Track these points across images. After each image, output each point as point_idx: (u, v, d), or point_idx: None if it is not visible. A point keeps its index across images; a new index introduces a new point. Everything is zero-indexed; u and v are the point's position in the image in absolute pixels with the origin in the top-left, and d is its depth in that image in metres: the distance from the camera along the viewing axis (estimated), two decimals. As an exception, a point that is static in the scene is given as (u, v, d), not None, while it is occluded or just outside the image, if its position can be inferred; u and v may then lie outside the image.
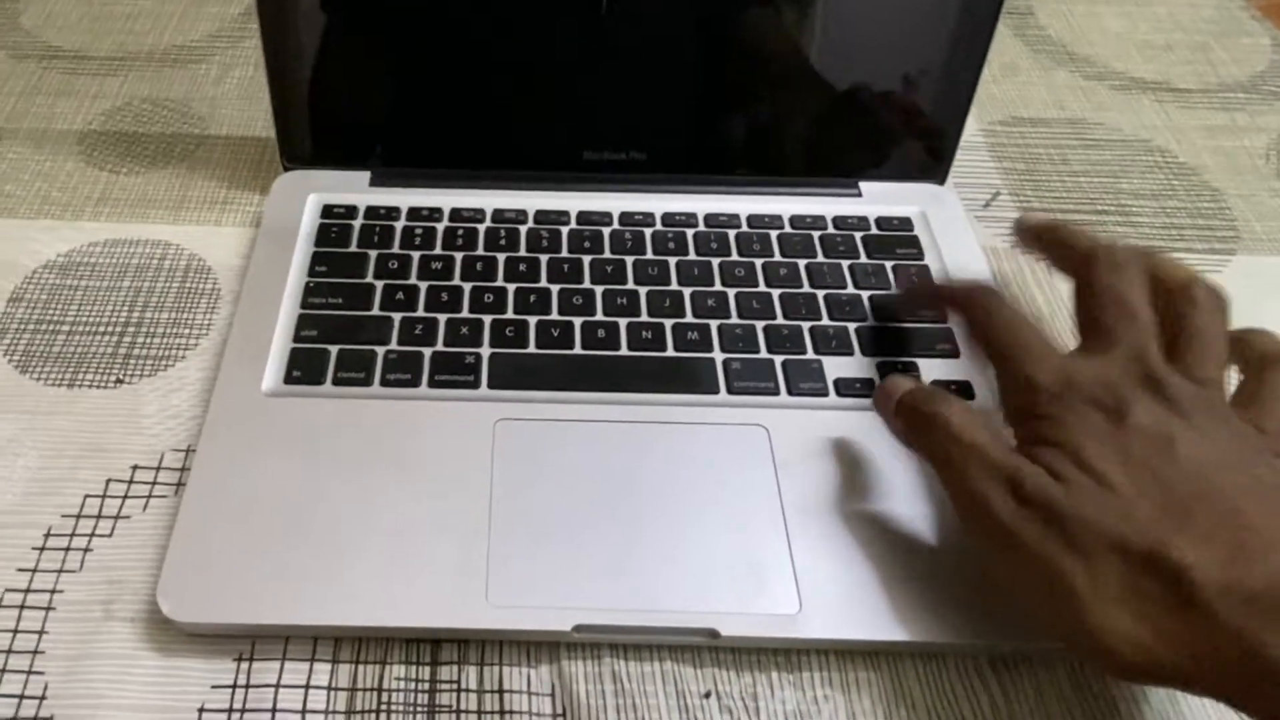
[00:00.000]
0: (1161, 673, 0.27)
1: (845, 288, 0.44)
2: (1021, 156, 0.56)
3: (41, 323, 0.44)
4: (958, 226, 0.47)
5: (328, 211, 0.47)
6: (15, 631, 0.34)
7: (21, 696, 0.32)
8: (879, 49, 0.46)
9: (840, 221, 0.47)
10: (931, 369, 0.41)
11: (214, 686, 0.33)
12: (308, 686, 0.33)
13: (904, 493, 0.37)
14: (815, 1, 0.45)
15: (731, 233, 0.46)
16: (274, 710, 0.32)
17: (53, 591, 0.35)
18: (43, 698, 0.32)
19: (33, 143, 0.53)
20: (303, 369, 0.40)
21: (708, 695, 0.34)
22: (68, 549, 0.36)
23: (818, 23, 0.46)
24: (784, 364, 0.41)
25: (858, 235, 0.46)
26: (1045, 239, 0.38)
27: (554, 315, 0.42)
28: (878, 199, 0.48)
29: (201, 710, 0.32)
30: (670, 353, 0.41)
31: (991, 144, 0.56)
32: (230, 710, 0.32)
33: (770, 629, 0.33)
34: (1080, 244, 0.36)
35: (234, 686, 0.33)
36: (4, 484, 0.38)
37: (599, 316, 0.42)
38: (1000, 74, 0.61)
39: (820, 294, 0.44)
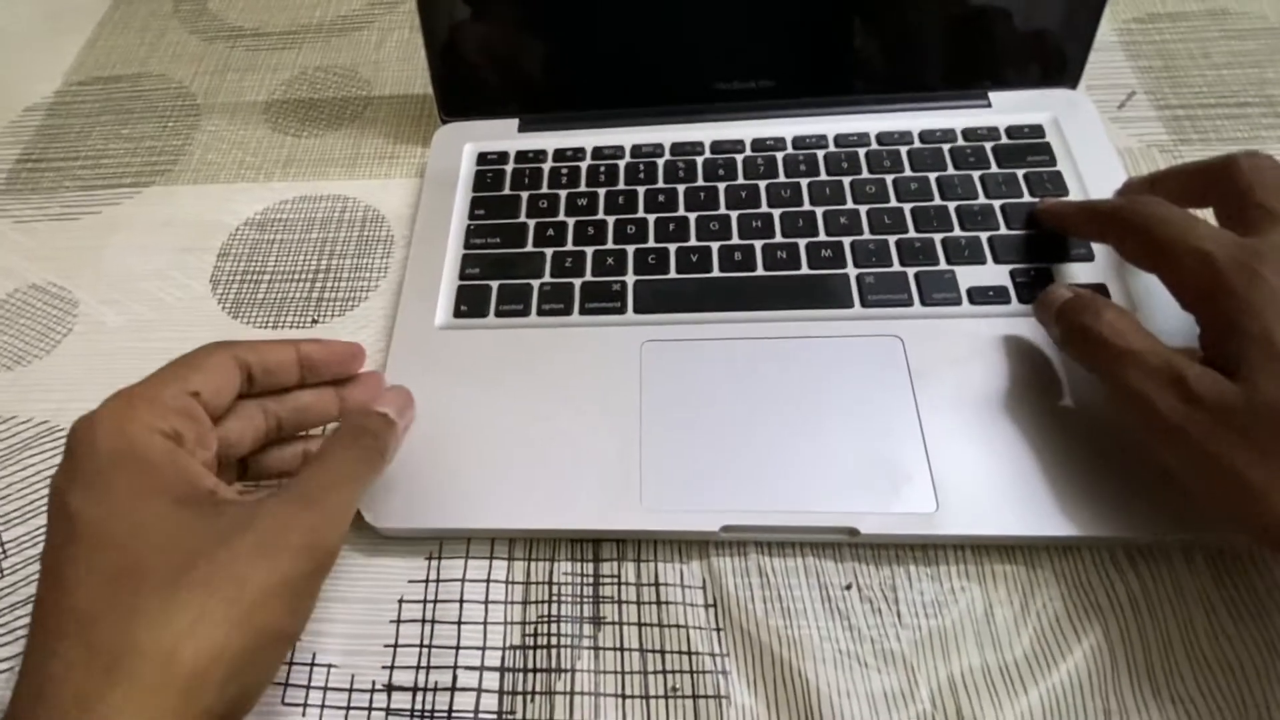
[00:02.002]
0: None
1: (976, 198, 0.42)
2: (1158, 54, 0.51)
3: (247, 273, 0.47)
4: (1091, 131, 0.44)
5: (482, 159, 0.48)
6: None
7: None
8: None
9: (970, 133, 0.44)
10: (1067, 273, 0.39)
11: (410, 581, 0.36)
12: (489, 580, 0.35)
13: (1036, 394, 0.36)
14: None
15: (861, 151, 0.45)
16: (461, 601, 0.35)
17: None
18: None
19: (227, 115, 0.56)
20: (469, 304, 0.42)
21: (849, 587, 0.34)
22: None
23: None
24: (917, 275, 0.40)
25: (988, 145, 0.44)
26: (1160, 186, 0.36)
27: (692, 241, 0.42)
28: (1008, 108, 0.45)
29: (401, 601, 0.35)
30: (805, 270, 0.41)
31: (1126, 43, 0.52)
32: (425, 601, 0.35)
33: (908, 527, 0.33)
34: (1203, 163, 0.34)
35: (426, 581, 0.36)
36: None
37: (735, 240, 0.42)
38: (1136, -31, 0.55)
39: (951, 205, 0.42)
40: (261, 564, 0.25)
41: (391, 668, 0.34)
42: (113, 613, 0.24)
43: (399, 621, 0.35)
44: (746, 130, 0.46)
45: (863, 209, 0.42)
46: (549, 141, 0.48)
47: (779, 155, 0.45)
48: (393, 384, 0.37)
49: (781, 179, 0.44)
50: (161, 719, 0.23)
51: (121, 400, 0.28)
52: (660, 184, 0.45)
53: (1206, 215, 0.33)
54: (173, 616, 0.24)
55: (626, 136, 0.47)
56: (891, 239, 0.41)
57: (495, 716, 0.32)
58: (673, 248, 0.42)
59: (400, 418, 0.33)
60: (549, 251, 0.43)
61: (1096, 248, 0.39)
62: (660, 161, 0.46)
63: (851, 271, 0.40)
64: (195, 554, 0.25)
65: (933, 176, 0.43)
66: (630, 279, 0.41)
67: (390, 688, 0.33)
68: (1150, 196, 0.35)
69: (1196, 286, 0.30)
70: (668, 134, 0.47)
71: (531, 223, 0.44)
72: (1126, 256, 0.35)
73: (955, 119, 0.45)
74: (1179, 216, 0.32)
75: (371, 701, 0.33)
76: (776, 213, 0.43)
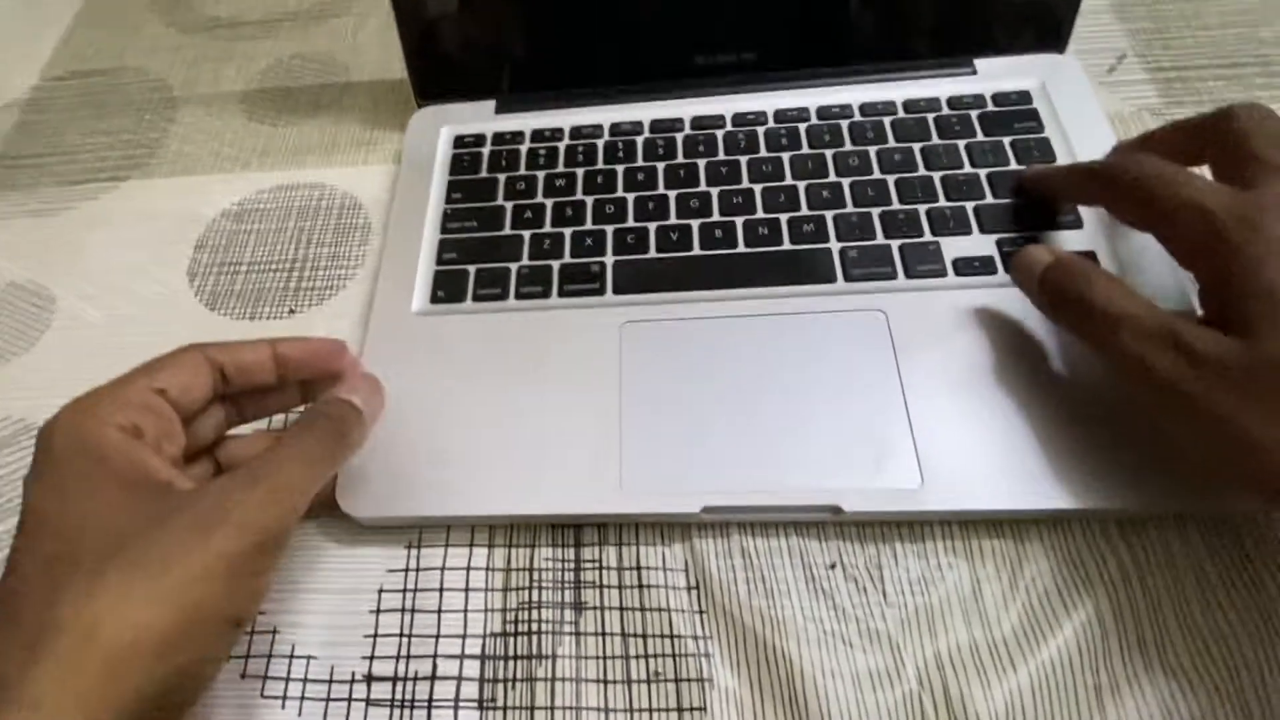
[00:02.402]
0: None
1: (962, 167, 0.41)
2: (1149, 15, 0.49)
3: (224, 264, 0.46)
4: (1080, 95, 0.42)
5: (459, 142, 0.46)
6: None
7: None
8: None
9: (955, 101, 0.43)
10: (1056, 240, 0.38)
11: (389, 570, 0.35)
12: (469, 568, 0.35)
13: (1023, 366, 0.34)
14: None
15: (844, 123, 0.43)
16: (441, 589, 0.34)
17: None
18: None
19: (203, 106, 0.55)
20: (446, 289, 0.41)
21: (833, 566, 0.33)
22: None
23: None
24: (901, 248, 0.38)
25: (973, 113, 0.42)
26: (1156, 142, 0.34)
27: (672, 220, 0.41)
28: (994, 74, 0.44)
29: (381, 590, 0.34)
30: (787, 246, 0.39)
31: (1116, 5, 0.50)
32: (404, 590, 0.34)
33: (892, 503, 0.32)
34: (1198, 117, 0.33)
35: (406, 570, 0.35)
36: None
37: (716, 217, 0.41)
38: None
39: (936, 176, 0.40)
40: (195, 541, 0.25)
41: (371, 658, 0.33)
42: (40, 593, 0.24)
43: (378, 611, 0.34)
44: (727, 105, 0.45)
45: (845, 182, 0.41)
46: (526, 122, 0.46)
47: (760, 130, 0.44)
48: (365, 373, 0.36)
49: (763, 153, 0.43)
50: (84, 696, 0.23)
51: (84, 398, 0.28)
52: (640, 162, 0.44)
53: (1203, 173, 0.31)
54: (96, 594, 0.23)
55: (605, 115, 0.46)
56: (875, 211, 0.40)
57: (476, 704, 0.32)
58: (652, 226, 0.41)
59: (365, 405, 0.32)
60: (527, 234, 0.42)
61: (1085, 213, 0.38)
62: (640, 139, 0.44)
63: (834, 246, 0.39)
64: (129, 535, 0.25)
65: (917, 147, 0.42)
66: (609, 259, 0.40)
67: (370, 678, 0.33)
68: (1141, 154, 0.33)
69: (1194, 242, 0.29)
70: (647, 111, 0.46)
71: (509, 205, 0.43)
72: (1121, 217, 0.34)
73: (940, 87, 0.44)
74: (1173, 172, 0.30)
75: (351, 692, 0.32)
76: (758, 188, 0.41)
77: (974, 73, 0.44)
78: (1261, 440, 0.26)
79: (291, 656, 0.33)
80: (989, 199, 0.39)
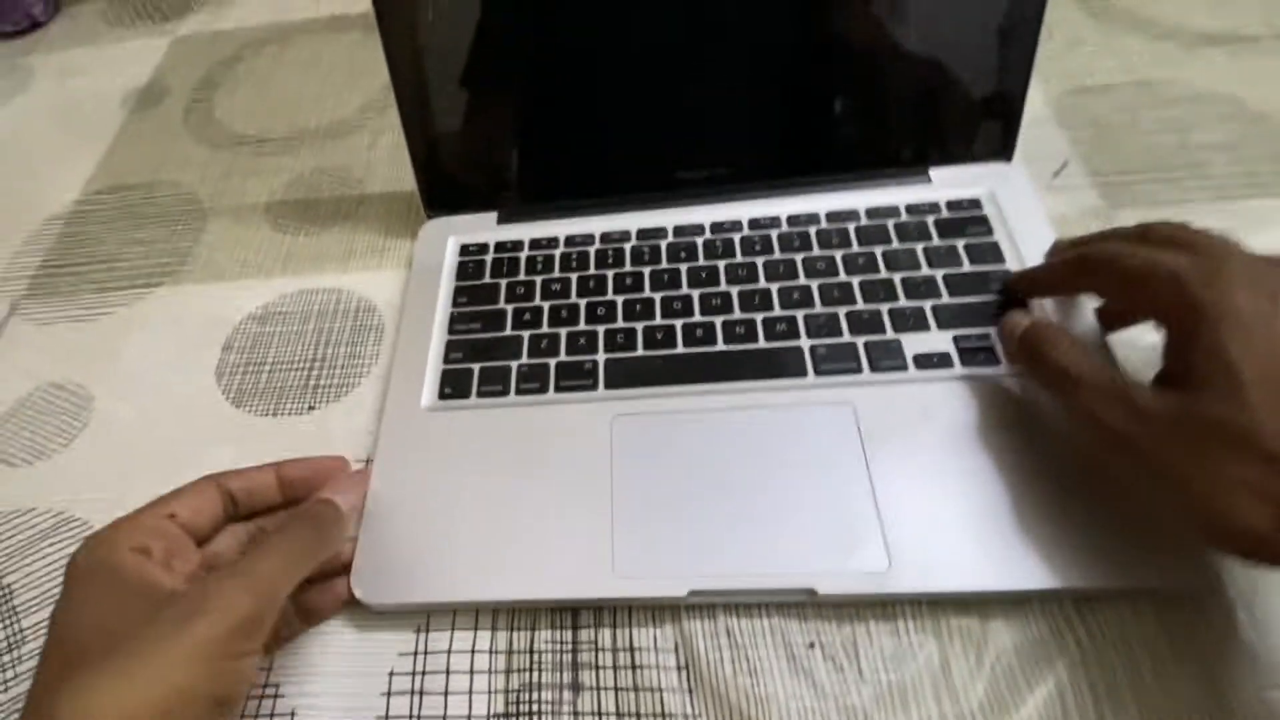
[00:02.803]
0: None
1: (920, 269, 0.44)
2: (1090, 124, 0.53)
3: (249, 364, 0.49)
4: (1025, 201, 0.45)
5: (464, 250, 0.50)
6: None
7: (256, 667, 0.37)
8: (936, 43, 0.45)
9: (912, 209, 0.46)
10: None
11: (400, 654, 0.37)
12: (473, 651, 0.36)
13: (982, 452, 0.37)
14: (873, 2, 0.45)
15: (812, 229, 0.46)
16: (448, 672, 0.36)
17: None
18: (269, 669, 0.37)
19: (231, 216, 0.59)
20: (452, 386, 0.43)
21: (812, 646, 0.35)
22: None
23: (881, 20, 0.45)
24: (866, 345, 0.41)
25: (929, 219, 0.46)
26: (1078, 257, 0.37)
27: (657, 320, 0.44)
28: (947, 183, 0.47)
29: (391, 674, 0.36)
30: (761, 344, 0.42)
31: (1059, 115, 0.54)
32: (414, 673, 0.36)
33: (863, 585, 0.34)
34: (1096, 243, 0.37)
35: (415, 653, 0.37)
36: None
37: (697, 317, 0.44)
38: (1066, 48, 0.58)
39: (897, 277, 0.43)
40: (179, 629, 0.27)
41: (383, 739, 0.35)
42: (50, 693, 0.27)
43: (389, 694, 0.36)
44: (706, 214, 0.48)
45: (814, 284, 0.44)
46: (525, 232, 0.50)
47: (736, 236, 0.47)
48: (383, 466, 0.40)
49: (739, 259, 0.46)
50: None
51: (104, 528, 0.32)
52: (628, 267, 0.47)
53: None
54: (90, 686, 0.26)
55: (596, 224, 0.49)
56: (841, 311, 0.43)
57: (480, 783, 0.33)
58: (640, 326, 0.44)
59: (343, 500, 0.35)
60: (526, 334, 0.45)
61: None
62: (627, 246, 0.48)
63: (805, 343, 0.42)
64: (126, 635, 0.27)
65: (878, 250, 0.45)
66: (601, 357, 0.43)
67: (381, 759, 0.34)
68: (1108, 241, 0.36)
69: (1166, 302, 0.32)
70: (634, 220, 0.49)
71: (510, 308, 0.46)
72: (1103, 295, 0.37)
73: (898, 195, 0.47)
74: (1141, 248, 0.34)
75: (364, 773, 0.34)
76: (735, 290, 0.44)
77: (929, 181, 0.48)
78: (1201, 489, 0.28)
79: (308, 738, 0.35)
80: (945, 298, 0.42)
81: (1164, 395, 0.30)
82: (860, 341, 0.41)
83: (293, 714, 0.35)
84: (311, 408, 0.46)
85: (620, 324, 0.44)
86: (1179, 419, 0.29)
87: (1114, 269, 0.34)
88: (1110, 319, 0.40)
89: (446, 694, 0.35)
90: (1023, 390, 0.38)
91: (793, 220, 0.47)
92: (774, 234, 0.47)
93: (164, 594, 0.30)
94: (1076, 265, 0.37)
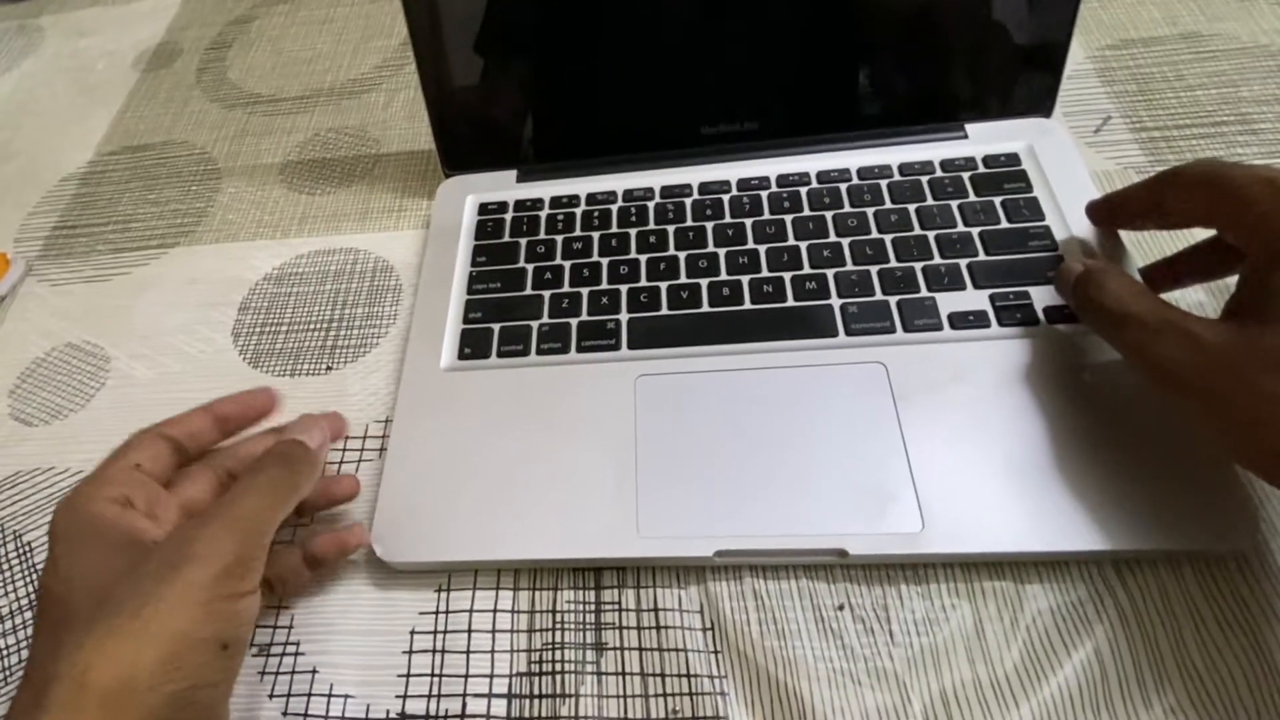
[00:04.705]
0: None
1: (955, 226, 0.43)
2: (1133, 78, 0.51)
3: (266, 325, 0.49)
4: (1066, 156, 0.44)
5: (483, 209, 0.49)
6: (270, 573, 0.38)
7: (274, 627, 0.37)
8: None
9: (947, 164, 0.45)
10: (1042, 295, 0.39)
11: (420, 612, 0.37)
12: (495, 610, 0.36)
13: (1018, 413, 0.36)
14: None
15: (843, 186, 0.46)
16: (469, 631, 0.36)
17: (290, 542, 0.39)
18: (290, 627, 0.37)
19: (246, 177, 0.59)
20: (472, 346, 0.43)
21: (841, 608, 0.34)
22: (301, 507, 0.40)
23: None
24: (899, 303, 0.40)
25: (965, 176, 0.44)
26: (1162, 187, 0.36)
27: (682, 279, 0.43)
28: (984, 138, 0.46)
29: (413, 632, 0.36)
30: (790, 303, 0.41)
31: (1101, 69, 0.52)
32: (435, 631, 0.36)
33: (895, 546, 0.33)
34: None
35: (436, 612, 0.37)
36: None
37: (723, 276, 0.43)
38: (1108, -2, 0.56)
39: (931, 235, 0.42)
40: (165, 576, 0.27)
41: (404, 696, 0.35)
42: (45, 653, 0.27)
43: (410, 652, 0.36)
44: (732, 171, 0.47)
45: (845, 241, 0.43)
46: (545, 190, 0.49)
47: (764, 194, 0.46)
48: (403, 426, 0.40)
49: (767, 216, 0.45)
50: None
51: (77, 486, 0.32)
52: (651, 225, 0.46)
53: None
54: (84, 643, 0.26)
55: (618, 182, 0.48)
56: (873, 269, 0.42)
57: (503, 742, 0.33)
58: (664, 286, 0.43)
59: (310, 439, 0.35)
60: (547, 294, 0.44)
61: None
62: (651, 204, 0.47)
63: (835, 302, 0.41)
64: (112, 587, 0.27)
65: (912, 208, 0.44)
66: (624, 317, 0.42)
67: (404, 716, 0.34)
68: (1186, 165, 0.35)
69: (1258, 216, 0.31)
70: (657, 178, 0.48)
71: (530, 267, 0.46)
72: (1189, 216, 0.35)
73: (933, 151, 0.46)
74: (1236, 163, 0.32)
75: (385, 730, 0.34)
76: (762, 248, 0.44)
77: (965, 137, 0.46)
78: (1259, 418, 0.28)
79: (330, 695, 0.35)
80: (981, 256, 0.41)
81: (1226, 326, 0.29)
82: (893, 300, 0.40)
83: (314, 671, 0.35)
84: (329, 368, 0.46)
85: (644, 283, 0.44)
86: (1242, 349, 0.28)
87: (1212, 179, 0.33)
88: (1158, 279, 0.39)
89: (468, 653, 0.35)
90: (1060, 350, 0.37)
91: (823, 177, 0.46)
92: (803, 191, 0.46)
93: (148, 543, 0.30)
94: (1167, 177, 0.35)
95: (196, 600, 0.27)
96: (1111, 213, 0.40)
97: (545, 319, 0.43)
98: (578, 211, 0.48)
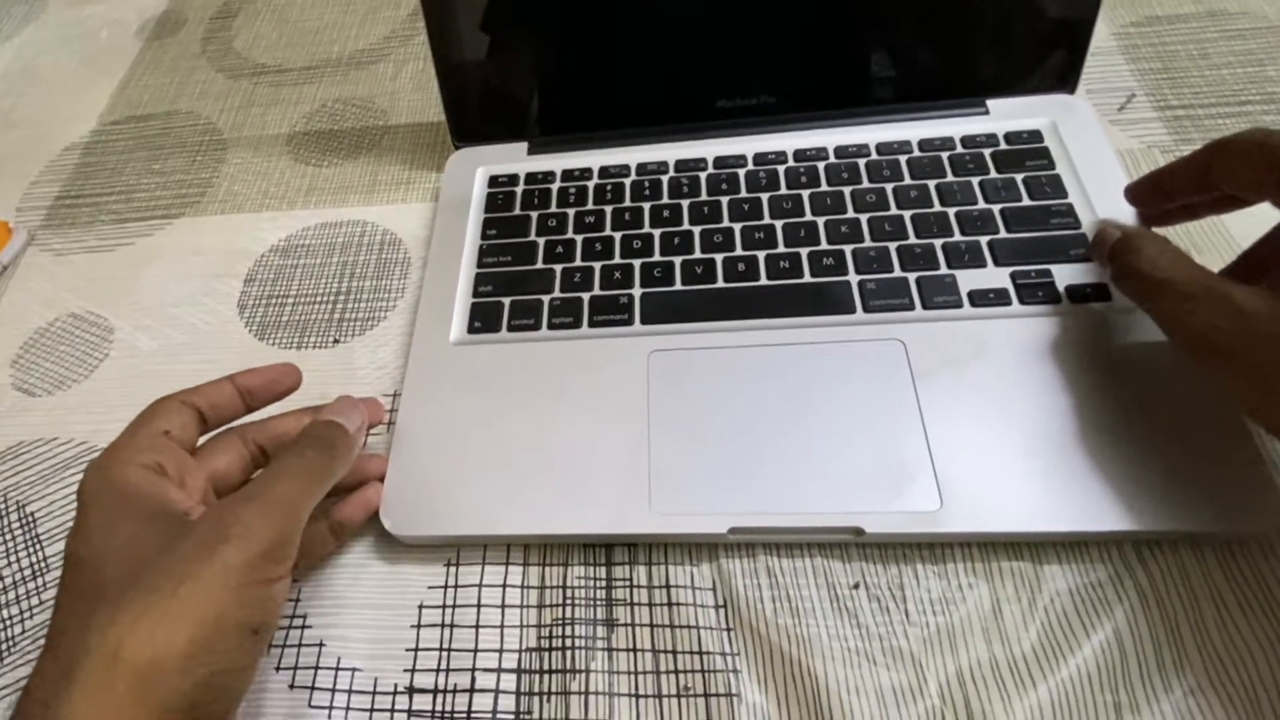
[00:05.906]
0: None
1: (976, 203, 0.42)
2: (1157, 55, 0.51)
3: (272, 297, 0.49)
4: (1089, 133, 0.44)
5: (493, 181, 0.49)
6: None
7: (284, 599, 0.37)
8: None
9: (968, 140, 0.45)
10: (1064, 274, 0.39)
11: (429, 587, 0.36)
12: (504, 585, 0.36)
13: (1038, 392, 0.36)
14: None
15: (861, 161, 0.45)
16: (479, 605, 0.36)
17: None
18: (297, 599, 0.37)
19: (251, 148, 0.58)
20: (482, 320, 0.43)
21: (856, 586, 0.34)
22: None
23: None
24: (918, 280, 0.40)
25: (986, 152, 0.44)
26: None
27: (697, 254, 0.43)
28: (1006, 114, 0.46)
29: (421, 606, 0.36)
30: (807, 279, 0.41)
31: (1125, 46, 0.52)
32: (444, 606, 0.36)
33: (912, 525, 0.33)
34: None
35: (445, 586, 0.36)
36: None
37: (739, 251, 0.43)
38: (1133, -26, 0.55)
39: (951, 211, 0.42)
40: (201, 557, 0.27)
41: (413, 670, 0.34)
42: (74, 625, 0.27)
43: (419, 626, 0.35)
44: (748, 145, 0.47)
45: (863, 217, 0.43)
46: (557, 163, 0.49)
47: (780, 168, 0.46)
48: (412, 400, 0.39)
49: (783, 191, 0.45)
50: (115, 712, 0.25)
51: (107, 449, 0.31)
52: (665, 200, 0.46)
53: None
54: (118, 620, 0.25)
55: (632, 155, 0.48)
56: (892, 246, 0.41)
57: (513, 717, 0.33)
58: (678, 260, 0.43)
59: (349, 423, 0.34)
60: (558, 268, 0.44)
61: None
62: (665, 178, 0.46)
63: (853, 278, 0.40)
64: (145, 562, 0.27)
65: (932, 184, 0.43)
66: (637, 292, 0.42)
67: (412, 690, 0.34)
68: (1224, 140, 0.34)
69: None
70: (672, 151, 0.48)
71: (541, 241, 0.45)
72: (1237, 183, 0.34)
73: (953, 127, 0.45)
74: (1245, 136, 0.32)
75: (394, 704, 0.34)
76: (779, 224, 0.43)
77: (986, 113, 0.46)
78: None
79: (337, 668, 0.35)
80: (1002, 233, 0.41)
81: (1253, 291, 0.29)
82: (912, 277, 0.40)
83: (321, 644, 0.35)
84: (336, 341, 0.46)
85: (658, 258, 0.43)
86: (1270, 314, 0.28)
87: (1265, 145, 0.32)
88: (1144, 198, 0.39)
89: (478, 627, 0.35)
90: (1083, 330, 0.37)
91: (840, 152, 0.46)
92: (821, 166, 0.45)
93: (178, 515, 0.29)
94: (1214, 147, 0.34)
95: (232, 583, 0.27)
96: (1155, 189, 0.39)
97: (557, 293, 0.43)
98: (590, 185, 0.47)
